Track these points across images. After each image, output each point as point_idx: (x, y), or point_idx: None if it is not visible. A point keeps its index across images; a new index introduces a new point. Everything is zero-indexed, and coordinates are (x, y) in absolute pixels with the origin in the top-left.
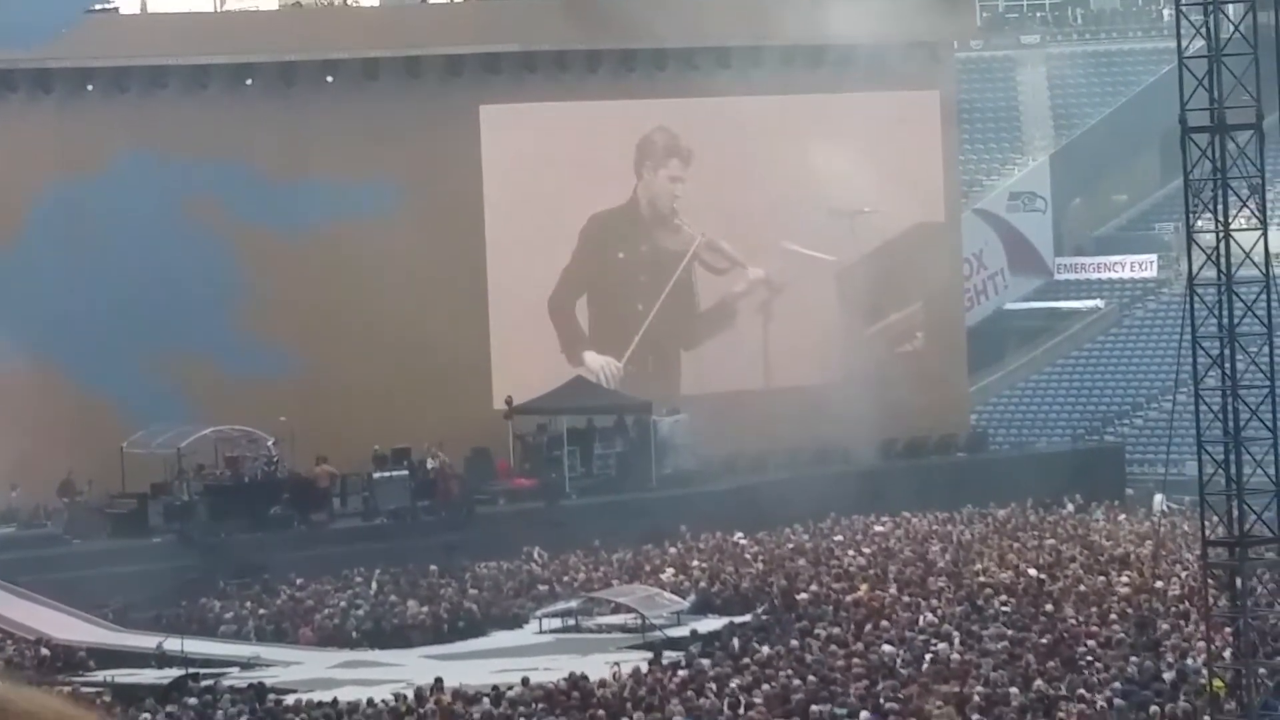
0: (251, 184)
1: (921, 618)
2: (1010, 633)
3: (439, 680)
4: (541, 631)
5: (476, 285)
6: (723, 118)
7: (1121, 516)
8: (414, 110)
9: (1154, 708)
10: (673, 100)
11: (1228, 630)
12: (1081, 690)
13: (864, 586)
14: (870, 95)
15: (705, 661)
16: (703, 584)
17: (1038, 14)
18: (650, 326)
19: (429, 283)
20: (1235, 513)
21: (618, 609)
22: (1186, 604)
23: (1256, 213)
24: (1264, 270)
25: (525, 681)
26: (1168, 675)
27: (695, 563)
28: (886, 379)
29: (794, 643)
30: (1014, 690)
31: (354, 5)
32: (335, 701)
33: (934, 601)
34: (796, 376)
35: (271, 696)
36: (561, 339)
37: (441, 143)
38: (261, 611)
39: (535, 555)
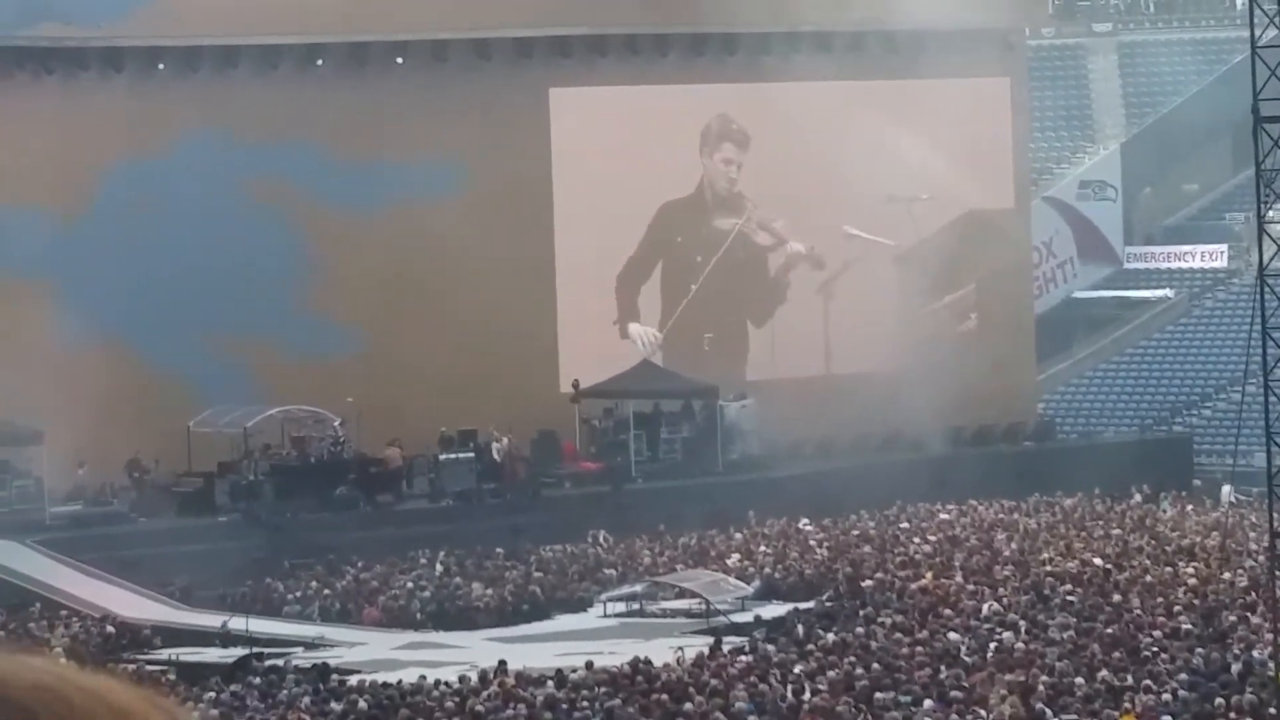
0: (320, 165)
1: (987, 606)
2: (1076, 622)
3: (503, 663)
4: (606, 615)
5: (544, 268)
6: (791, 103)
7: (1189, 507)
8: (483, 92)
9: (1220, 699)
10: (741, 85)
11: None
12: (1147, 681)
13: (929, 574)
14: (941, 82)
15: (770, 647)
16: (767, 570)
17: (1110, 2)
18: (714, 306)
19: (497, 265)
20: None
21: (682, 594)
22: (1254, 595)
23: None
24: None
25: (589, 665)
26: (1234, 667)
27: (760, 549)
28: (953, 366)
29: (859, 630)
30: (1079, 680)
31: None
32: (399, 683)
33: (1000, 590)
34: (861, 363)
35: (335, 677)
36: (621, 316)
37: (510, 125)
38: (326, 592)
39: (600, 539)
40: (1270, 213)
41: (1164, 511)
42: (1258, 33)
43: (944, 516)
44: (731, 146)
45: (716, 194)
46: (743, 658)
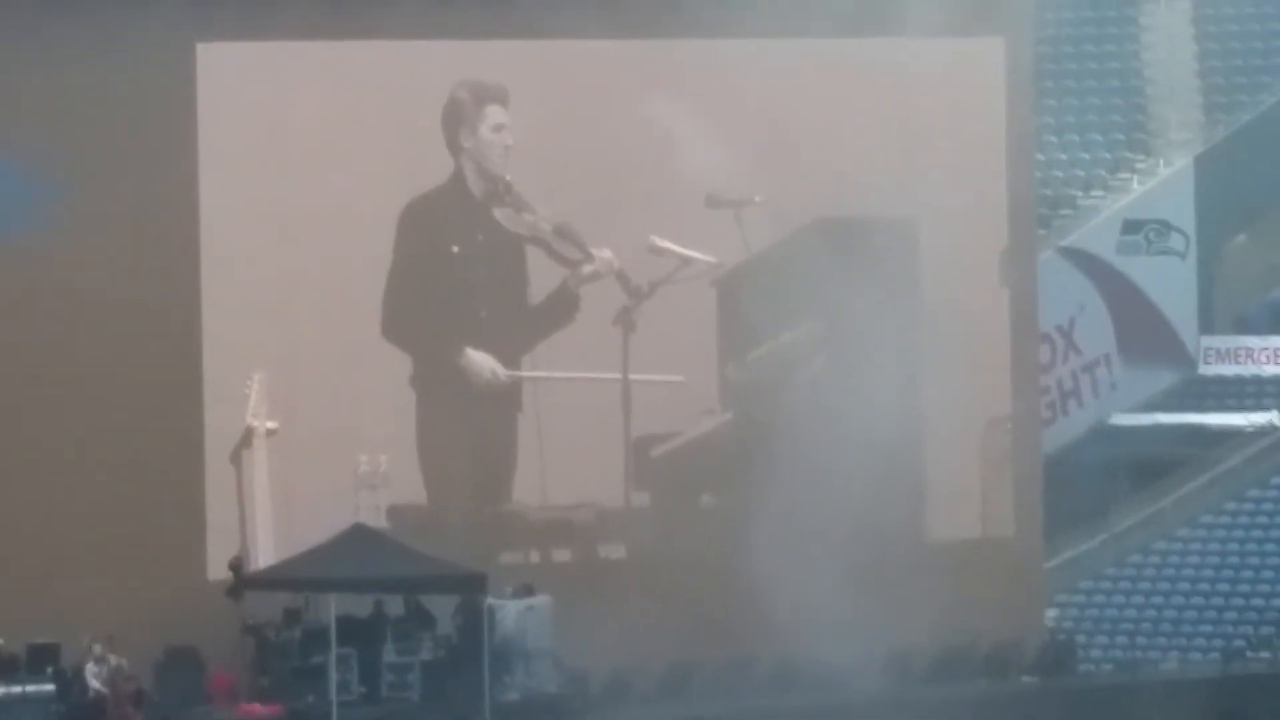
0: None
1: None
2: None
3: None
4: None
5: (185, 347)
6: (572, 66)
7: None
8: (84, 49)
9: None
10: (497, 43)
11: None
12: None
13: None
14: (873, 42)
15: None
16: None
17: None
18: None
19: (103, 341)
20: None
21: None
22: None
23: None
24: None
25: None
26: None
27: None
28: (895, 542)
29: None
30: None
31: None
32: None
33: None
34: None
35: None
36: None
37: (131, 101)
38: None
39: None
40: None
41: None
42: None
43: None
44: (497, 108)
45: (489, 176)
46: None
